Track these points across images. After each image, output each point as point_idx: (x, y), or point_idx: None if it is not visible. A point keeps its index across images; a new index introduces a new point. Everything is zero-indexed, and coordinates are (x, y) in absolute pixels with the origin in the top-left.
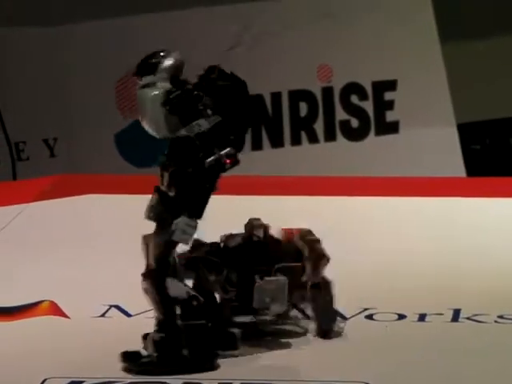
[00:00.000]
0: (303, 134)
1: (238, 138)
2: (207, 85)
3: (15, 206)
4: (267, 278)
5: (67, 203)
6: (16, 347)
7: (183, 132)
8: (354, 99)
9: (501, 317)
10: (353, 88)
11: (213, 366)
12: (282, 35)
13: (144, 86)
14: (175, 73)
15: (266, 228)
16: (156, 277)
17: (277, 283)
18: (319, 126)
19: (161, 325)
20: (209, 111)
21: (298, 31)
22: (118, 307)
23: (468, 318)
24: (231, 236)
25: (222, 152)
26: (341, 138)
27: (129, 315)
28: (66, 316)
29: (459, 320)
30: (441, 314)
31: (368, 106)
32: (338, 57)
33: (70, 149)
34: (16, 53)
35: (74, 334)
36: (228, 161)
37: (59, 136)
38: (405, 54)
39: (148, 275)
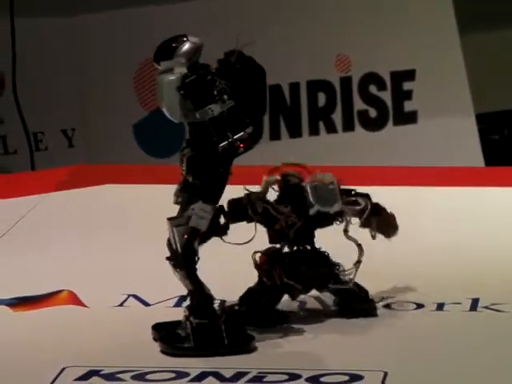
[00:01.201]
0: (321, 124)
1: (255, 126)
2: (225, 69)
3: (33, 196)
4: (314, 176)
5: (85, 193)
6: (35, 336)
7: (197, 117)
8: (373, 89)
9: None
10: (371, 78)
11: (250, 349)
12: (301, 25)
13: (162, 72)
14: (193, 57)
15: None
16: (185, 265)
17: (323, 180)
18: (337, 116)
19: (197, 310)
20: (225, 96)
21: (317, 21)
22: (136, 297)
23: (486, 307)
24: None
25: (236, 136)
26: (359, 128)
27: (147, 304)
28: (84, 305)
29: (478, 309)
30: (459, 304)
31: (386, 96)
32: (357, 47)
33: (88, 139)
34: (34, 43)
35: (93, 324)
36: (241, 145)
37: (77, 126)
38: (423, 43)
39: (177, 264)
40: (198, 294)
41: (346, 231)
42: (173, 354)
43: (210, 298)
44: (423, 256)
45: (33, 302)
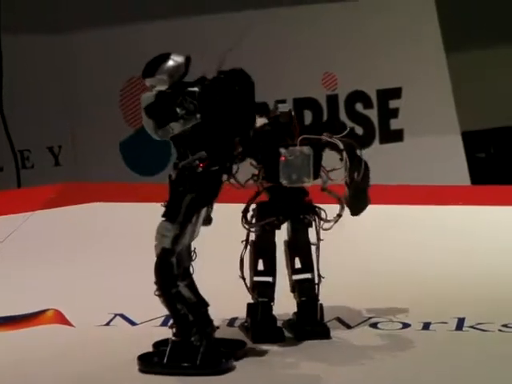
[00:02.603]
0: None
1: (244, 143)
2: (213, 84)
3: (20, 214)
4: (291, 148)
5: (72, 211)
6: (20, 355)
7: (159, 134)
8: (359, 107)
9: (505, 326)
10: (357, 96)
11: (221, 371)
12: (288, 43)
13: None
14: (175, 75)
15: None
16: (159, 285)
17: (301, 152)
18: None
19: (176, 330)
20: (198, 115)
21: (304, 39)
22: (122, 316)
23: (472, 327)
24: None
25: (195, 156)
26: None
27: (134, 324)
28: (70, 324)
29: (463, 329)
30: (445, 323)
31: (372, 114)
32: (343, 65)
33: (74, 157)
34: (21, 61)
35: (79, 343)
36: (201, 164)
37: (64, 144)
38: (410, 62)
39: (155, 283)
40: (172, 313)
41: (323, 189)
42: (145, 371)
43: (185, 316)
44: (408, 275)
45: (18, 321)
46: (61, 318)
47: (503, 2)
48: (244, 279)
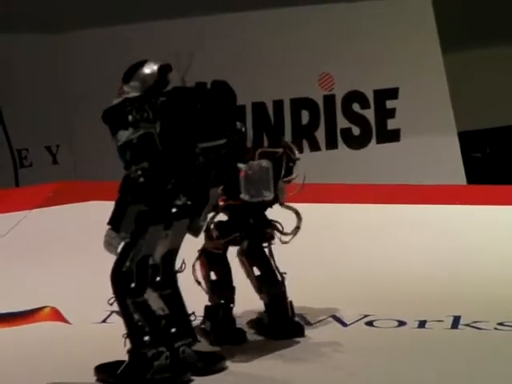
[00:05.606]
0: (305, 142)
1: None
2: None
3: (18, 212)
4: (250, 163)
5: (69, 210)
6: (18, 353)
7: (114, 142)
8: (356, 107)
9: (501, 324)
10: (354, 96)
11: None
12: (285, 44)
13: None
14: (148, 83)
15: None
16: (114, 295)
17: (259, 166)
18: (321, 134)
19: (130, 341)
20: (157, 124)
21: (301, 40)
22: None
23: (468, 325)
24: None
25: (138, 166)
26: (342, 146)
27: None
28: (67, 322)
29: (459, 327)
30: (441, 321)
31: (369, 114)
32: (340, 65)
33: (72, 155)
34: (19, 60)
35: (75, 340)
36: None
37: (62, 143)
38: (406, 62)
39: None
40: (126, 323)
41: (280, 203)
42: (101, 381)
43: (140, 328)
44: (405, 273)
45: (15, 318)
46: (57, 316)
47: (499, 2)
48: (199, 283)
